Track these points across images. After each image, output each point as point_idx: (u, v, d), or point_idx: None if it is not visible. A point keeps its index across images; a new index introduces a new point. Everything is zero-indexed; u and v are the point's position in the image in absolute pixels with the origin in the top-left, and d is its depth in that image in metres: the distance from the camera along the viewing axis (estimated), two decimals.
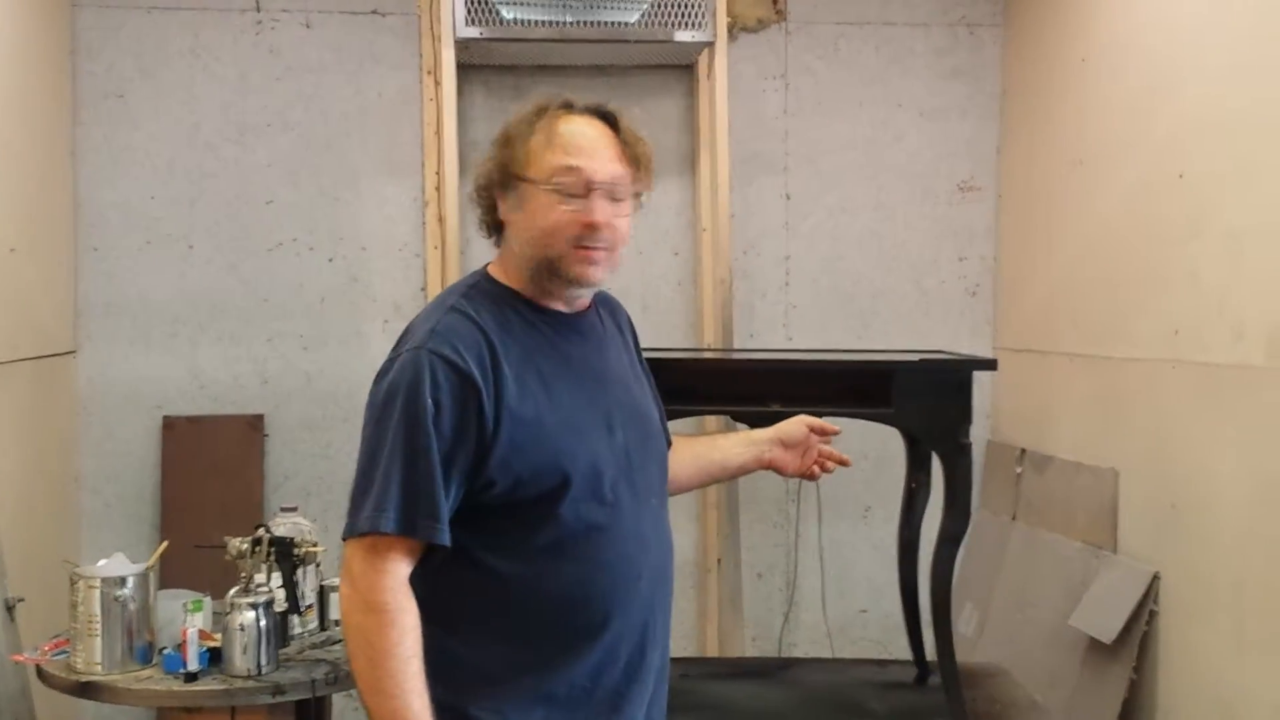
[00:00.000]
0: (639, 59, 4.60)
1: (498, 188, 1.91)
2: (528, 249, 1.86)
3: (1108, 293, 3.96)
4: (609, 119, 1.91)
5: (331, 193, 4.62)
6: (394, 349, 1.86)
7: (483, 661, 1.79)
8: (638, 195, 1.91)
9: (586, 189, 1.83)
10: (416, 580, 1.75)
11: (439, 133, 4.49)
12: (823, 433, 2.21)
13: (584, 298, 1.95)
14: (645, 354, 2.14)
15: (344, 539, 1.76)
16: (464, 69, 4.54)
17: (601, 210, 1.83)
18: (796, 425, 2.20)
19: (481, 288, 1.90)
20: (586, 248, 1.83)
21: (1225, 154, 3.32)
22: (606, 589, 1.82)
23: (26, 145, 4.05)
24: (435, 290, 4.55)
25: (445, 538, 1.73)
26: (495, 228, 1.94)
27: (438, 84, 4.47)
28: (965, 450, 3.00)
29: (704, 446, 2.25)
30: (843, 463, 2.22)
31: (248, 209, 4.59)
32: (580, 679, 1.80)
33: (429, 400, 1.73)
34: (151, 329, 4.55)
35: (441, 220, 4.52)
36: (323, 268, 4.62)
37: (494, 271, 1.94)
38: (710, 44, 4.42)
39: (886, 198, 4.84)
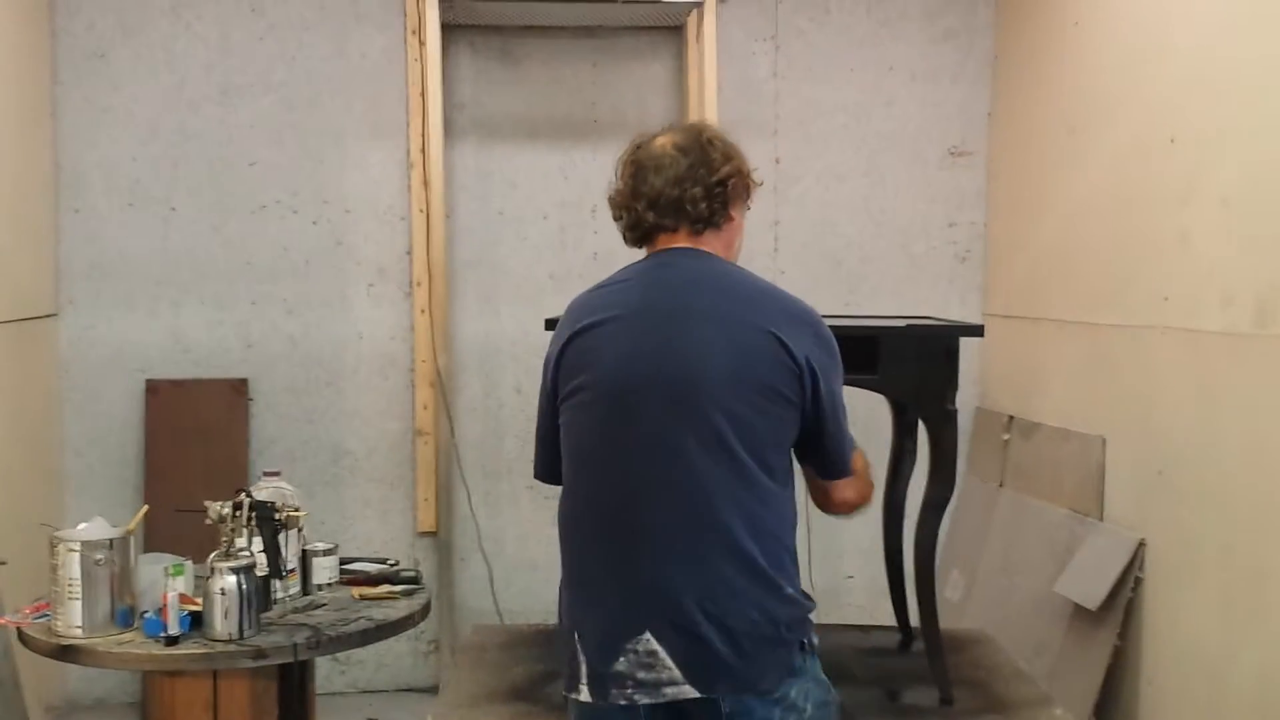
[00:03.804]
0: (627, 20, 4.54)
1: (743, 190, 2.19)
2: (738, 248, 2.23)
3: (1098, 259, 3.93)
4: None
5: (315, 154, 4.57)
6: (790, 319, 2.07)
7: None
8: None
9: None
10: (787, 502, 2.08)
11: (424, 94, 4.44)
12: None
13: None
14: None
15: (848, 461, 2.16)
16: (449, 29, 4.49)
17: None
18: None
19: None
20: None
21: (1217, 117, 3.29)
22: None
23: (5, 106, 3.99)
24: (420, 253, 4.52)
25: None
26: (709, 220, 2.15)
27: (422, 44, 4.41)
28: (951, 417, 2.97)
29: None
30: None
31: (230, 170, 4.54)
32: None
33: None
34: (134, 291, 4.51)
35: (427, 183, 4.48)
36: (307, 230, 4.58)
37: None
38: (699, 4, 4.37)
39: (876, 162, 4.80)
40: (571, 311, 2.14)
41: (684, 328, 2.02)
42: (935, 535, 3.03)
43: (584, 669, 2.03)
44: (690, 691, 1.97)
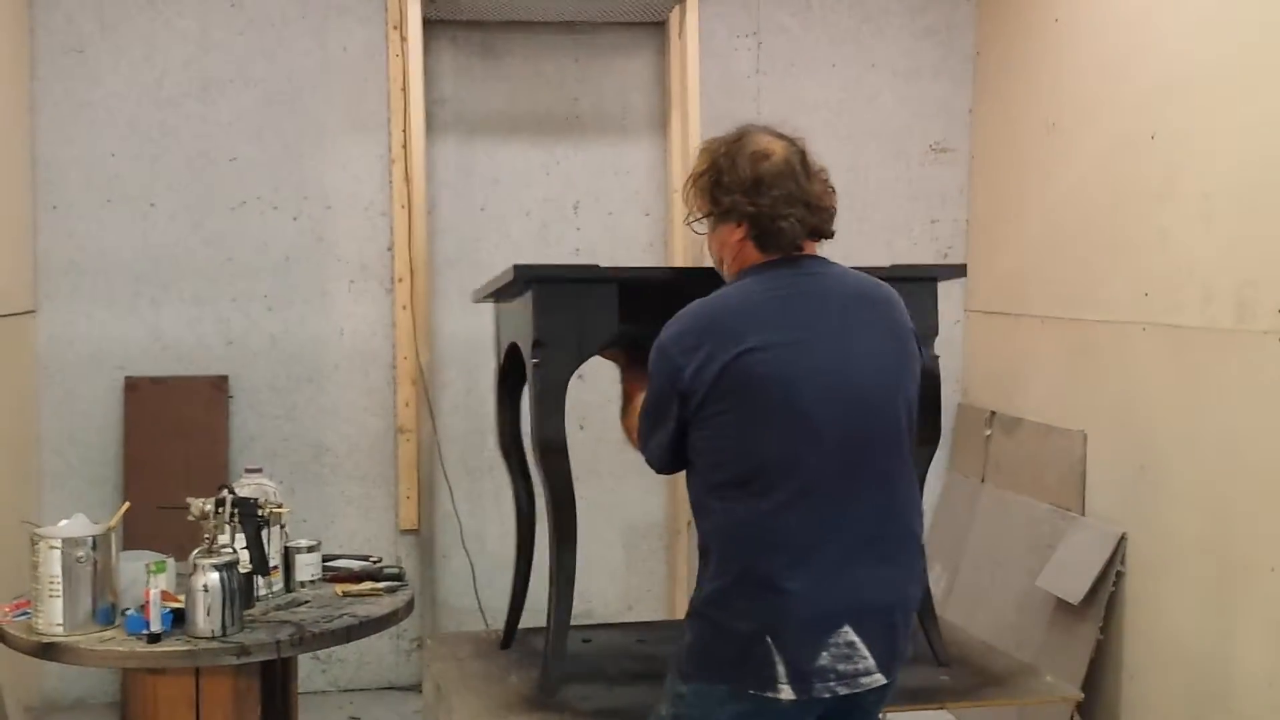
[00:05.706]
0: (610, 15, 4.53)
1: None
2: None
3: (1079, 255, 3.95)
4: None
5: (296, 150, 4.55)
6: (906, 312, 2.27)
7: None
8: (688, 221, 2.36)
9: None
10: None
11: (405, 89, 4.43)
12: None
13: None
14: None
15: None
16: (431, 24, 4.47)
17: None
18: None
19: None
20: None
21: (1197, 113, 3.31)
22: None
23: None
24: (402, 250, 4.51)
25: None
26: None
27: (404, 38, 4.39)
28: (932, 364, 2.88)
29: None
30: None
31: (210, 167, 4.51)
32: None
33: None
34: (113, 288, 4.48)
35: (408, 179, 4.46)
36: (287, 226, 4.56)
37: None
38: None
39: (859, 159, 4.81)
40: (727, 330, 2.12)
41: (860, 339, 2.14)
42: (920, 492, 2.97)
43: (782, 668, 2.03)
44: (880, 679, 2.07)
